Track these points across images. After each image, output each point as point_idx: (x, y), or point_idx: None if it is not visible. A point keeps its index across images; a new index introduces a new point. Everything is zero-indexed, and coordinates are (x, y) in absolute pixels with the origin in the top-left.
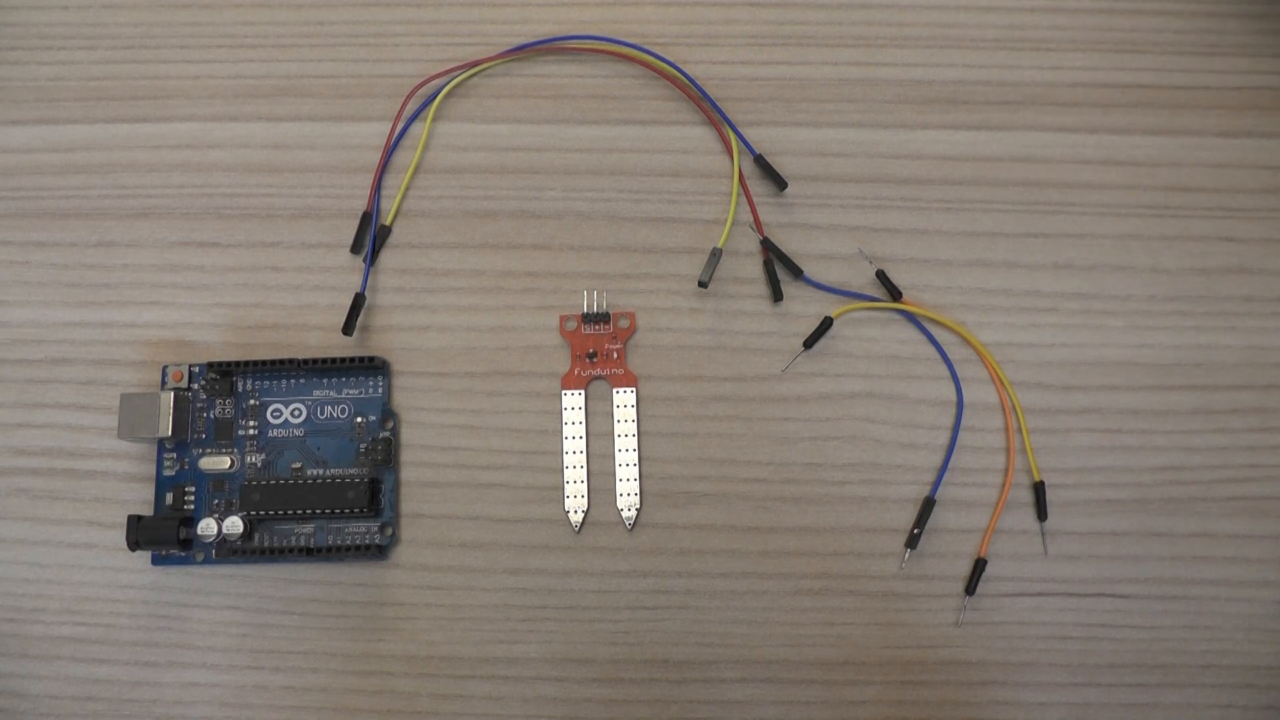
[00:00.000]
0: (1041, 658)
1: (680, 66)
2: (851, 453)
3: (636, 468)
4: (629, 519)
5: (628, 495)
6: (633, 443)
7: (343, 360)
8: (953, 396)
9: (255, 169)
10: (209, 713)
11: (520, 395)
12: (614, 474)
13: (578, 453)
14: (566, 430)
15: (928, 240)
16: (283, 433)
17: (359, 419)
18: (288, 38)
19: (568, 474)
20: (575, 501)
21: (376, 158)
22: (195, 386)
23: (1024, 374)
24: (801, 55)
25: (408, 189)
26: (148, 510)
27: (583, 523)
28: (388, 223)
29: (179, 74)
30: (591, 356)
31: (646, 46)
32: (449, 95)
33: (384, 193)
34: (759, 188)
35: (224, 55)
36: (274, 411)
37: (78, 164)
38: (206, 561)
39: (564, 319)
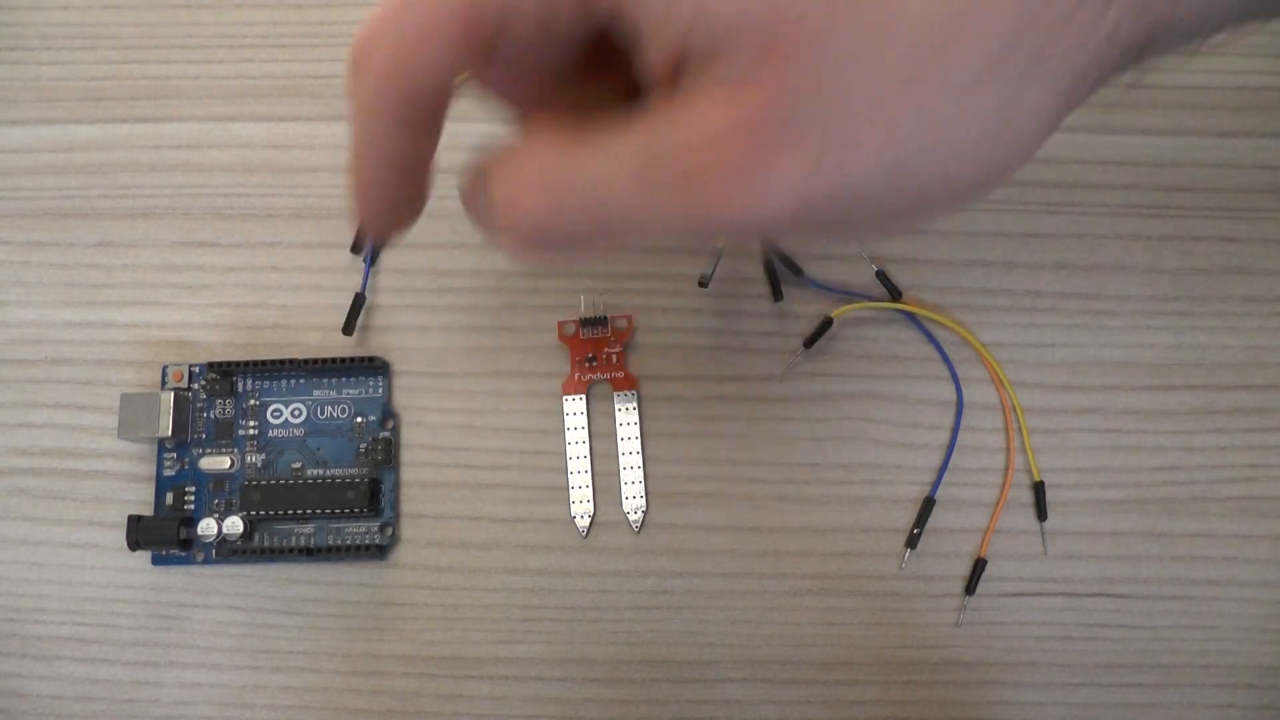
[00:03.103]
0: (1041, 658)
1: None
2: (851, 453)
3: (641, 470)
4: (635, 521)
5: (634, 499)
6: (636, 445)
7: (343, 360)
8: (953, 396)
9: (255, 169)
10: (209, 713)
11: (520, 395)
12: (618, 475)
13: (581, 458)
14: (569, 436)
15: (928, 240)
16: (283, 433)
17: (359, 419)
18: (288, 38)
19: (572, 479)
20: (581, 507)
21: None
22: (195, 386)
23: (1024, 374)
24: None
25: None
26: (148, 510)
27: (589, 527)
28: None
29: (179, 74)
30: (591, 360)
31: None
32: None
33: None
34: None
35: (224, 55)
36: (274, 411)
37: (78, 164)
38: (206, 561)
39: (561, 325)
